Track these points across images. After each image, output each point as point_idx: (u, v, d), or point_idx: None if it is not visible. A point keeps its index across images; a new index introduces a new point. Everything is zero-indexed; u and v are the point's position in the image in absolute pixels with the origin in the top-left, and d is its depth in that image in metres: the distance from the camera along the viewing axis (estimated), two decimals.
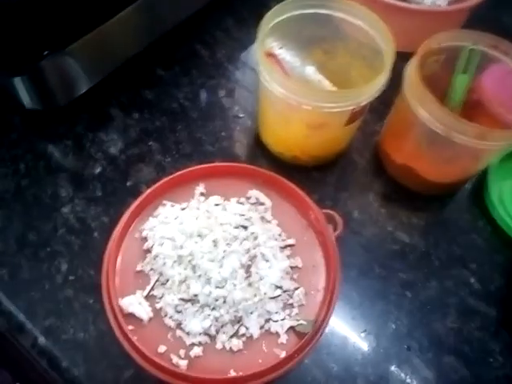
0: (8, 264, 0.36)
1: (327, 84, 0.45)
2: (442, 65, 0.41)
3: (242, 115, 0.47)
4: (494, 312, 0.37)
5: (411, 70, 0.37)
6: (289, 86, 0.35)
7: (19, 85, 0.38)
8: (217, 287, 0.34)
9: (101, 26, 0.40)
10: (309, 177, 0.43)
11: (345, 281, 0.37)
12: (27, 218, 0.39)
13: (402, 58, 0.38)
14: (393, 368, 0.35)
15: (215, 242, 0.36)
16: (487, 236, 0.41)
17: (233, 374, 0.32)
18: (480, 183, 0.43)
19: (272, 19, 0.38)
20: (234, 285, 0.34)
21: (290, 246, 0.38)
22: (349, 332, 0.36)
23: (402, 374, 0.34)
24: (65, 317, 0.34)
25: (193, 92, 0.48)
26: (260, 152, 0.45)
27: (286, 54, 0.43)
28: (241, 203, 0.40)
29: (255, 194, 0.40)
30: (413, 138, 0.40)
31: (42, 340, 0.34)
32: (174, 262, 0.35)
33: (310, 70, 0.44)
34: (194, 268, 0.35)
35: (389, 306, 0.37)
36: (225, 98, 0.48)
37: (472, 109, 0.42)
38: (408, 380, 0.34)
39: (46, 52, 0.37)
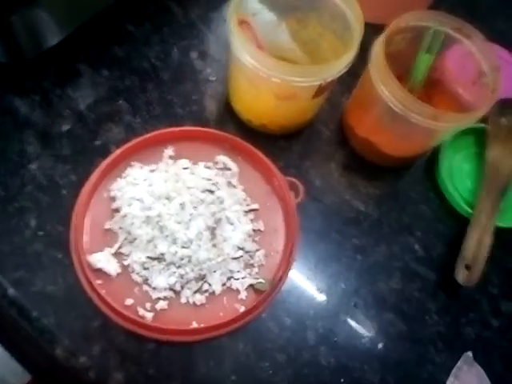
0: None
1: (299, 53, 0.46)
2: (408, 43, 0.42)
3: (213, 79, 0.47)
4: (434, 276, 0.42)
5: (377, 48, 0.38)
6: (259, 58, 0.35)
7: None
8: (183, 247, 0.36)
9: None
10: (275, 144, 0.45)
11: (303, 244, 0.41)
12: None
13: (374, 29, 0.38)
14: (340, 322, 0.39)
15: (182, 205, 0.38)
16: (435, 207, 0.45)
17: (195, 325, 0.35)
18: (433, 158, 0.46)
19: None
20: (199, 245, 0.37)
21: (253, 210, 0.41)
22: (303, 290, 0.39)
23: (347, 328, 0.39)
24: (34, 270, 0.36)
25: (164, 51, 0.48)
26: (229, 117, 0.46)
27: (259, 21, 0.43)
28: (208, 167, 0.41)
29: (223, 159, 0.42)
30: (374, 113, 0.42)
31: (11, 291, 0.35)
32: (142, 222, 0.37)
33: (284, 38, 0.45)
34: (161, 228, 0.37)
35: (341, 268, 0.41)
36: (197, 60, 0.48)
37: (433, 87, 0.45)
38: (353, 333, 0.39)
39: (15, 5, 0.36)
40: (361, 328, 0.39)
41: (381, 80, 0.38)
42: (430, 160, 0.47)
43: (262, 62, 0.35)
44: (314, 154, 0.46)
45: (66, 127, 0.42)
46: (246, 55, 0.36)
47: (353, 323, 0.39)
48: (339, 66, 0.36)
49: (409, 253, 0.42)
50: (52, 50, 0.42)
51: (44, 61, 0.43)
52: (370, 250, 0.42)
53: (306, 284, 0.40)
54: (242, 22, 0.41)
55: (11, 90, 0.43)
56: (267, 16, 0.44)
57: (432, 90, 0.45)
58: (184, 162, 0.41)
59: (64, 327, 0.35)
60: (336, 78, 0.38)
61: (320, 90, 0.38)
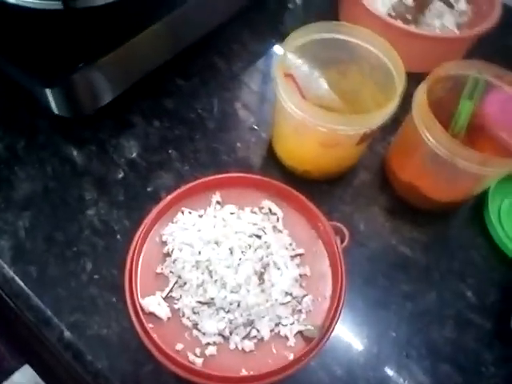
0: (36, 262, 0.39)
1: (339, 103, 0.48)
2: (449, 91, 0.44)
3: (256, 127, 0.50)
4: (489, 324, 0.41)
5: (420, 96, 0.40)
6: (306, 108, 0.38)
7: (50, 94, 0.41)
8: (232, 292, 0.37)
9: (129, 41, 0.43)
10: (318, 189, 0.46)
11: (350, 289, 0.40)
12: (54, 218, 0.42)
13: (412, 78, 0.40)
14: (392, 373, 0.38)
15: (231, 250, 0.39)
16: (485, 253, 0.44)
17: (244, 372, 0.35)
18: (480, 202, 0.46)
19: (292, 42, 0.41)
20: (248, 290, 0.37)
21: (299, 255, 0.41)
22: (352, 337, 0.39)
23: (401, 379, 0.38)
24: (89, 313, 0.37)
25: (210, 103, 0.51)
26: (273, 164, 0.48)
27: (301, 73, 0.46)
28: (254, 213, 0.43)
29: (268, 204, 0.43)
30: (418, 158, 0.43)
31: (67, 334, 0.37)
32: (192, 266, 0.38)
33: (324, 89, 0.48)
34: (210, 273, 0.38)
35: (390, 315, 0.40)
36: (241, 109, 0.51)
37: (476, 132, 0.46)
38: None
39: (78, 65, 0.40)
40: (414, 380, 0.37)
41: (425, 127, 0.39)
42: (478, 204, 0.46)
43: (309, 112, 0.38)
44: (358, 198, 0.46)
45: (120, 175, 0.45)
46: (292, 105, 0.38)
47: (406, 374, 0.38)
48: (383, 114, 0.38)
49: (461, 300, 0.42)
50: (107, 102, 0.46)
51: (100, 113, 0.47)
52: (420, 297, 0.41)
53: (355, 331, 0.39)
54: (286, 75, 0.44)
55: (71, 141, 0.47)
56: (307, 68, 0.47)
57: (475, 135, 0.46)
58: (231, 208, 0.43)
59: (117, 371, 0.36)
60: (380, 126, 0.39)
61: (364, 138, 0.40)
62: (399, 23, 0.53)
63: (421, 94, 0.40)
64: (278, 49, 0.57)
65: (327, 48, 0.44)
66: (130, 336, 0.37)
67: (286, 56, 0.41)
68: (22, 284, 0.39)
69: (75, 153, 0.46)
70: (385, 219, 0.45)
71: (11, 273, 0.39)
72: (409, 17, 0.58)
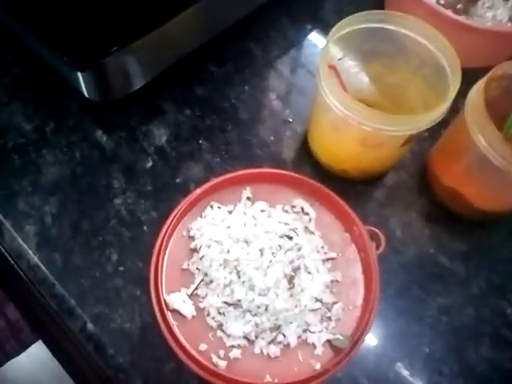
0: (62, 249, 0.39)
1: (381, 99, 0.45)
2: (503, 90, 0.41)
3: (291, 120, 0.48)
4: None
5: (476, 96, 0.37)
6: (348, 105, 0.35)
7: (81, 77, 0.40)
8: (260, 295, 0.36)
9: (163, 25, 0.41)
10: (354, 190, 0.44)
11: (382, 299, 0.39)
12: (81, 205, 0.41)
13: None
14: None
15: (262, 251, 0.37)
16: None
17: (269, 379, 0.34)
18: None
19: (338, 31, 0.39)
20: (277, 294, 0.36)
21: (331, 259, 0.40)
22: (382, 350, 0.37)
23: None
24: (113, 306, 0.37)
25: (244, 92, 0.49)
26: (307, 160, 0.46)
27: (344, 65, 0.43)
28: (286, 211, 0.41)
29: (300, 203, 0.41)
30: (465, 163, 0.40)
31: (90, 326, 0.36)
32: (220, 265, 0.37)
33: (365, 84, 0.45)
34: (239, 273, 0.37)
35: (424, 329, 0.38)
36: (275, 100, 0.49)
37: None
38: None
39: (111, 49, 0.38)
40: None
41: (479, 129, 0.36)
42: None
43: (353, 109, 0.35)
44: (395, 201, 0.44)
45: (149, 164, 0.44)
46: (334, 101, 0.36)
47: None
48: (433, 116, 0.35)
49: (500, 317, 0.39)
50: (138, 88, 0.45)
51: (130, 99, 0.46)
52: (457, 312, 0.39)
53: (386, 343, 0.38)
54: (330, 67, 0.41)
55: (100, 126, 0.46)
56: (350, 61, 0.44)
57: None
58: (261, 205, 0.41)
59: (138, 367, 0.35)
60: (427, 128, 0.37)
61: (410, 140, 0.37)
62: (450, 13, 0.50)
63: (477, 94, 0.37)
64: (317, 38, 0.54)
65: (373, 39, 0.41)
66: (153, 332, 0.36)
67: (330, 47, 0.39)
68: (46, 271, 0.38)
69: (104, 138, 0.45)
70: (423, 225, 0.43)
71: (36, 259, 0.38)
72: (460, 7, 0.54)
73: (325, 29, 0.54)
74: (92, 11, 0.40)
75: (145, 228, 0.40)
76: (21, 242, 0.39)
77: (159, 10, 0.41)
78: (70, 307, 0.37)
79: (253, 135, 0.47)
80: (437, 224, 0.43)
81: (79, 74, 0.40)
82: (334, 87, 0.36)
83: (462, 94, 0.38)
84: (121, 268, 0.38)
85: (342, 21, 0.38)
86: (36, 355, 0.77)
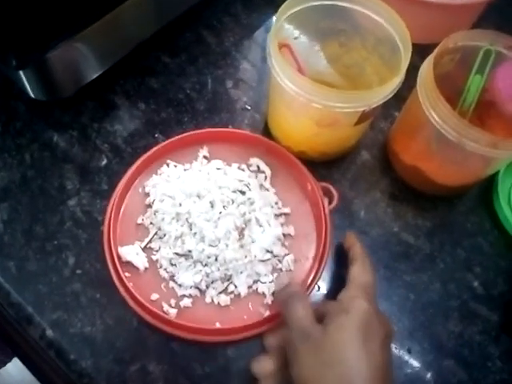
0: (15, 257, 0.38)
1: (338, 78, 0.45)
2: (457, 64, 0.41)
3: (249, 107, 0.47)
4: (496, 317, 0.39)
5: (426, 70, 0.37)
6: (299, 83, 0.35)
7: (23, 76, 0.39)
8: (210, 245, 0.37)
9: (108, 14, 0.40)
10: (316, 173, 0.44)
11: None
12: (34, 210, 0.40)
13: (417, 50, 0.37)
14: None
15: (212, 203, 0.38)
16: (493, 240, 0.42)
17: (218, 326, 0.35)
18: (489, 185, 0.44)
19: (289, 9, 0.38)
20: (227, 245, 0.37)
21: (284, 214, 0.41)
22: None
23: (400, 376, 0.36)
24: (72, 310, 0.36)
25: (199, 82, 0.48)
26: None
27: (300, 45, 0.43)
28: (241, 169, 0.42)
29: (256, 161, 0.43)
30: (423, 139, 0.40)
31: (49, 332, 0.35)
32: (172, 218, 0.38)
33: (323, 65, 0.45)
34: (190, 226, 0.38)
35: (392, 307, 0.39)
36: (232, 89, 0.48)
37: (485, 109, 0.43)
38: (407, 382, 0.36)
39: (52, 42, 0.37)
40: (416, 376, 0.36)
41: (430, 104, 0.36)
42: (486, 187, 0.44)
43: (303, 87, 0.35)
44: (357, 182, 0.44)
45: (103, 161, 0.43)
46: (286, 80, 0.36)
47: (408, 371, 0.36)
48: (385, 91, 0.35)
49: (467, 291, 0.40)
50: (88, 82, 0.43)
51: (81, 95, 0.44)
52: (424, 288, 0.39)
53: None
54: (283, 46, 0.41)
55: (50, 126, 0.44)
56: (307, 40, 0.44)
57: (485, 113, 0.43)
58: (217, 163, 0.42)
59: (101, 371, 0.34)
60: (381, 104, 0.37)
61: (363, 117, 0.37)
62: None
63: (427, 67, 0.37)
64: (273, 21, 0.53)
65: (328, 17, 0.40)
66: (116, 334, 0.36)
67: (281, 24, 0.38)
68: (1, 280, 0.37)
69: (55, 138, 0.44)
70: (387, 205, 0.43)
71: None
72: None
73: None
74: (28, 1, 0.38)
75: (102, 228, 0.39)
76: None
77: None
78: (28, 315, 0.36)
79: (210, 126, 0.46)
80: (400, 203, 0.43)
81: (20, 73, 0.39)
82: (285, 66, 0.35)
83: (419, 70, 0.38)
84: (78, 271, 0.38)
85: None
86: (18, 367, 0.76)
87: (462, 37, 0.38)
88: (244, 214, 0.38)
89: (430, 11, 0.48)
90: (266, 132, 0.46)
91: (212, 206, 0.38)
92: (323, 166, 0.44)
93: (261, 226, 0.38)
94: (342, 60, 0.45)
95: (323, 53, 0.45)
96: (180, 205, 0.38)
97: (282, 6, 0.37)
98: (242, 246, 0.37)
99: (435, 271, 0.40)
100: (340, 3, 0.40)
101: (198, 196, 0.39)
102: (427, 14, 0.48)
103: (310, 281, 0.37)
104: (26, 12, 0.36)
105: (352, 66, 0.44)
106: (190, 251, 0.36)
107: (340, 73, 0.46)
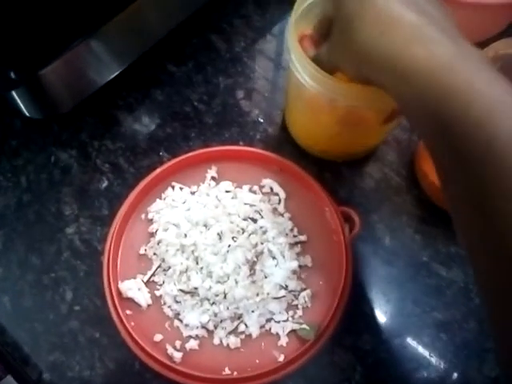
0: (10, 291, 0.36)
1: None
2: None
3: (262, 120, 0.44)
4: None
5: None
6: (321, 80, 0.31)
7: (16, 95, 0.36)
8: (218, 282, 0.34)
9: (107, 23, 0.37)
10: (335, 195, 0.40)
11: (376, 316, 0.36)
12: (29, 238, 0.38)
13: None
14: None
15: (220, 235, 0.35)
16: None
17: (228, 371, 0.32)
18: None
19: (303, 2, 0.34)
20: (236, 281, 0.34)
21: (300, 242, 0.37)
22: (376, 375, 0.34)
23: None
24: (70, 352, 0.34)
25: (207, 93, 0.45)
26: (286, 151, 0.42)
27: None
28: (253, 192, 0.39)
29: (269, 183, 0.39)
30: None
31: (47, 376, 0.33)
32: (177, 250, 0.35)
33: None
34: (196, 259, 0.35)
35: (421, 349, 0.35)
36: (243, 100, 0.45)
37: None
38: None
39: (44, 58, 0.35)
40: None
41: None
42: None
43: (324, 84, 0.31)
44: (381, 205, 0.41)
45: (104, 184, 0.41)
46: (306, 77, 0.32)
47: None
48: None
49: None
50: (88, 96, 0.41)
51: (80, 110, 0.42)
52: (457, 327, 0.36)
53: (379, 370, 0.35)
54: (303, 38, 0.37)
55: (47, 144, 0.42)
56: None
57: None
58: (227, 185, 0.39)
59: None
60: None
61: (392, 115, 0.34)
62: None
63: None
64: (287, 24, 0.49)
65: None
66: (116, 379, 0.33)
67: (300, 14, 0.34)
68: None
69: (53, 159, 0.41)
70: (415, 230, 0.40)
71: None
72: None
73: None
74: (18, 17, 0.36)
75: (101, 258, 0.37)
76: None
77: (101, 6, 0.37)
78: (24, 356, 0.34)
79: (219, 142, 0.43)
80: (429, 227, 0.40)
81: (12, 92, 0.36)
82: (304, 61, 0.31)
83: None
84: (76, 307, 0.35)
85: None
86: None
87: (504, 45, 0.34)
88: (256, 245, 0.35)
89: (462, 10, 0.44)
90: (279, 144, 0.42)
91: (220, 238, 0.35)
92: (343, 187, 0.41)
93: (274, 258, 0.35)
94: None
95: None
96: (185, 235, 0.36)
97: None
98: (253, 282, 0.34)
99: (470, 307, 0.37)
100: None
101: (205, 225, 0.36)
102: (463, 14, 0.44)
103: (329, 318, 0.34)
104: (16, 28, 0.34)
105: None
106: (195, 288, 0.34)
107: None
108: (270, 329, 0.34)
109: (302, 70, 0.33)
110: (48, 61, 0.34)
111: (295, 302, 0.35)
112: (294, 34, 0.33)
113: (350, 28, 0.26)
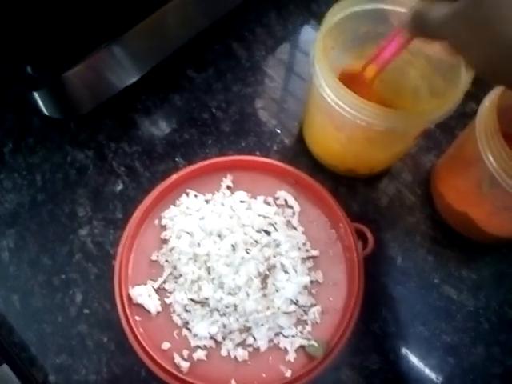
0: (20, 290, 0.36)
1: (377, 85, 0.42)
2: None
3: (279, 131, 0.44)
4: None
5: (488, 107, 0.33)
6: (355, 104, 0.31)
7: (37, 95, 0.37)
8: (229, 294, 0.34)
9: (129, 30, 0.37)
10: (349, 210, 0.40)
11: (383, 337, 0.36)
12: (42, 238, 0.38)
13: None
14: None
15: (234, 246, 0.35)
16: None
17: None
18: None
19: (333, 17, 0.35)
20: (248, 294, 0.34)
21: (313, 257, 0.37)
22: None
23: None
24: (77, 355, 0.34)
25: (226, 100, 0.45)
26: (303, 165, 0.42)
27: (334, 55, 0.39)
28: (267, 203, 0.39)
29: (284, 195, 0.40)
30: (473, 180, 0.37)
31: (52, 378, 0.34)
32: (190, 259, 0.35)
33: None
34: (208, 269, 0.35)
35: (428, 371, 0.35)
36: (261, 109, 0.45)
37: None
38: None
39: (67, 62, 0.35)
40: None
41: (488, 145, 0.32)
42: None
43: (348, 103, 0.32)
44: (395, 224, 0.41)
45: (119, 187, 0.41)
46: (330, 93, 0.32)
47: None
48: (447, 107, 0.32)
49: None
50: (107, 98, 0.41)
51: (98, 111, 0.42)
52: (465, 352, 0.36)
53: None
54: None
55: (64, 143, 0.42)
56: (345, 48, 0.40)
57: None
58: (242, 195, 0.39)
59: None
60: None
61: (423, 133, 0.34)
62: None
63: (489, 106, 0.33)
64: (309, 34, 0.50)
65: (369, 21, 0.37)
66: None
67: (326, 34, 0.35)
68: (4, 315, 0.35)
69: (69, 158, 0.42)
70: (427, 251, 0.40)
71: None
72: None
73: (317, 23, 0.49)
74: (40, 22, 0.36)
75: (113, 262, 0.37)
76: None
77: (126, 11, 0.37)
78: (31, 356, 0.34)
79: (236, 150, 0.43)
80: (442, 249, 0.40)
81: (34, 92, 0.36)
82: (332, 80, 0.32)
83: (473, 96, 0.35)
84: (86, 311, 0.35)
85: (337, 4, 0.34)
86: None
87: None
88: (268, 258, 0.35)
89: None
90: (298, 150, 0.43)
91: (234, 250, 0.35)
92: (357, 202, 0.41)
93: (286, 272, 0.36)
94: None
95: (359, 60, 0.42)
96: (198, 245, 0.36)
97: (327, 14, 0.34)
98: (264, 296, 0.34)
99: (479, 332, 0.37)
100: (383, 6, 0.36)
101: (219, 235, 0.36)
102: None
103: (338, 336, 0.34)
104: (40, 31, 0.34)
105: (393, 71, 0.41)
106: (206, 299, 0.34)
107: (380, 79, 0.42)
108: (279, 343, 0.34)
109: (331, 92, 0.33)
110: (72, 64, 0.35)
111: (305, 318, 0.35)
112: (320, 50, 0.33)
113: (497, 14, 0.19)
